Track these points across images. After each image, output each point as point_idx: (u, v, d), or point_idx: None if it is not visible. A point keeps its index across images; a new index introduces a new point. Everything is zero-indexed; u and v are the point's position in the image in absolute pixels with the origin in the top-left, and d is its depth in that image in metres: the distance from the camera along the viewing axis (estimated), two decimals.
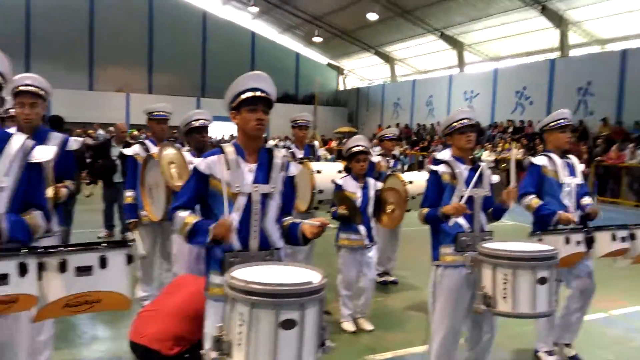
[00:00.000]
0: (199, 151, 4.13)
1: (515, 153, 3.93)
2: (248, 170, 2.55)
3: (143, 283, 4.86)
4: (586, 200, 3.99)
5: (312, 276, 2.05)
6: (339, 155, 15.21)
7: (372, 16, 23.58)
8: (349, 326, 4.61)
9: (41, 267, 2.02)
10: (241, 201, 2.49)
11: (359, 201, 4.51)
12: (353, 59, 31.69)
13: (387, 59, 29.45)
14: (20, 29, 26.97)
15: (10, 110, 3.86)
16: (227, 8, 30.90)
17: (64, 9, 27.30)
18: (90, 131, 20.28)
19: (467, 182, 3.32)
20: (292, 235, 2.61)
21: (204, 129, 4.37)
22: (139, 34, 29.27)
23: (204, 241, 2.42)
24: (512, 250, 2.88)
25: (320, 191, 4.69)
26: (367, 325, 4.65)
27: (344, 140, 19.22)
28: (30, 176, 2.27)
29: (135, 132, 17.45)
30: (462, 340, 3.41)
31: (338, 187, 4.52)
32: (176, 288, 3.55)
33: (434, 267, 3.40)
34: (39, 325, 2.92)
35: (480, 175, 3.39)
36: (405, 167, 6.86)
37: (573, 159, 4.10)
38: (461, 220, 3.29)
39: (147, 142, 4.77)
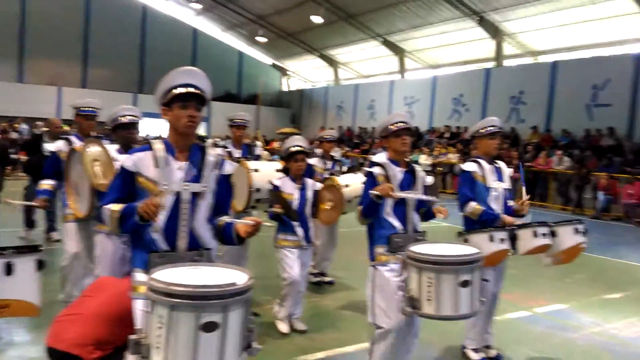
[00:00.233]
0: (127, 149, 3.98)
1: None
2: (178, 168, 2.47)
3: (71, 283, 4.62)
4: (510, 202, 4.16)
5: (237, 277, 2.01)
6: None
7: (317, 19, 23.67)
8: (283, 327, 4.58)
9: None
10: (169, 200, 2.41)
11: (296, 202, 4.49)
12: (297, 60, 31.71)
13: (331, 62, 29.67)
14: None
15: None
16: (169, 4, 30.14)
17: None
18: (15, 125, 19.26)
19: (401, 185, 3.40)
20: (226, 235, 2.55)
21: (132, 125, 4.20)
22: (74, 26, 27.95)
23: (134, 222, 2.33)
24: (436, 254, 2.95)
25: (258, 190, 4.63)
26: (301, 326, 4.64)
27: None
28: None
29: (67, 127, 16.70)
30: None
31: (275, 188, 4.49)
32: (97, 290, 3.38)
33: (371, 267, 3.45)
34: None
35: (415, 177, 3.48)
36: (345, 168, 6.95)
37: (501, 164, 4.25)
38: (395, 222, 3.37)
39: (72, 137, 4.57)
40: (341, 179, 5.20)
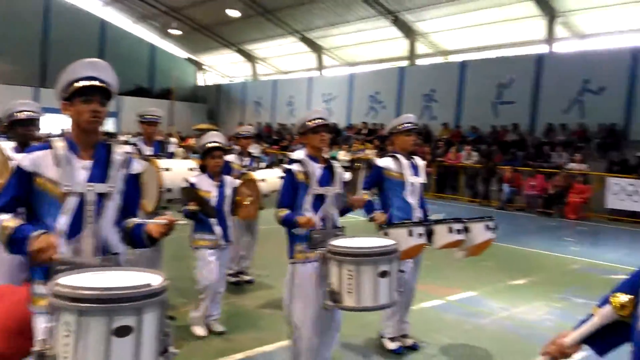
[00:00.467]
0: (25, 147, 3.67)
1: (363, 167, 4.17)
2: (81, 168, 2.29)
3: None
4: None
5: (151, 279, 1.90)
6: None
7: (233, 13, 23.31)
8: (199, 330, 4.44)
9: None
10: (72, 202, 2.23)
11: (214, 200, 4.37)
12: (214, 55, 31.05)
13: (249, 57, 29.36)
14: None
15: None
16: None
17: None
18: None
19: (320, 181, 3.41)
20: (136, 237, 2.40)
21: (30, 121, 3.87)
22: None
23: (25, 252, 2.11)
24: (356, 246, 3.00)
25: (169, 190, 4.45)
26: (219, 328, 4.53)
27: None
28: None
29: None
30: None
31: (192, 186, 4.34)
32: None
33: (290, 265, 3.44)
34: None
35: (333, 174, 3.49)
36: (263, 165, 6.88)
37: (417, 159, 4.40)
38: (315, 218, 3.36)
39: None
40: (257, 174, 5.13)
